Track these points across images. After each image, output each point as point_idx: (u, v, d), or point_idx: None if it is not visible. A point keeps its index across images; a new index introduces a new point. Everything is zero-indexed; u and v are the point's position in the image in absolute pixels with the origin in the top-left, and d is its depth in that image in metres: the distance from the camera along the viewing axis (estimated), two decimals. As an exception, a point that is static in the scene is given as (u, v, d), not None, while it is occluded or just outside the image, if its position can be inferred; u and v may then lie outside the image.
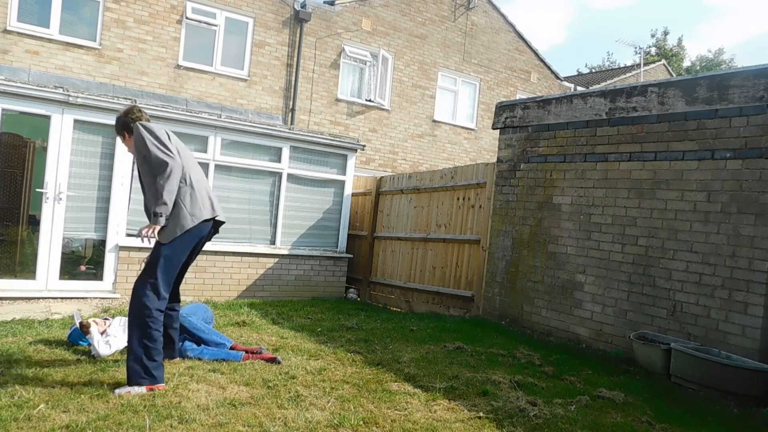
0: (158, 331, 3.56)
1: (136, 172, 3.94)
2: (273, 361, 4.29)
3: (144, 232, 3.53)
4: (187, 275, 7.42)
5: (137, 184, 7.26)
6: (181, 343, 4.36)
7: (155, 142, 3.58)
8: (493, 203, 6.93)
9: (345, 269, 8.91)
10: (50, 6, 10.15)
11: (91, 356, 4.21)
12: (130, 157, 7.12)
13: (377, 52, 13.50)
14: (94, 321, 4.43)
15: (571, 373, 4.49)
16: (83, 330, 4.42)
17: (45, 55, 10.05)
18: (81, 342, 4.49)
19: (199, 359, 4.22)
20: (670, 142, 5.14)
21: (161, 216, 3.51)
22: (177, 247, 3.65)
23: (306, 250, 8.51)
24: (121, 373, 3.78)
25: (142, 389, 3.44)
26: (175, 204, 3.60)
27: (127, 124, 3.85)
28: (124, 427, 2.90)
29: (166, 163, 3.51)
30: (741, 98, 4.63)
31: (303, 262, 8.46)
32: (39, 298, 6.57)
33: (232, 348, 4.49)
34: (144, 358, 3.47)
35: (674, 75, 24.48)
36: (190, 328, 4.41)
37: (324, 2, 13.06)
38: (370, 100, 13.51)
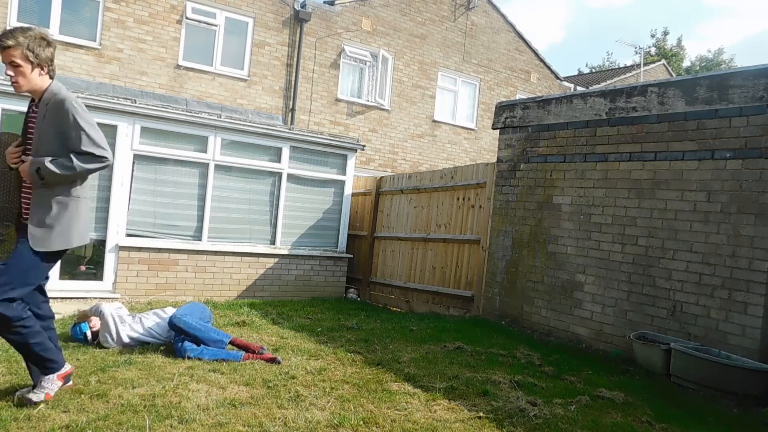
0: (30, 327, 3.02)
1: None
2: (273, 361, 4.29)
3: (16, 160, 3.15)
4: (186, 275, 7.55)
5: (137, 185, 7.28)
6: (180, 343, 4.37)
7: (96, 132, 3.11)
8: (493, 203, 6.92)
9: (345, 269, 8.91)
10: (50, 6, 10.15)
11: (95, 343, 4.34)
12: (130, 157, 7.12)
13: (377, 52, 13.50)
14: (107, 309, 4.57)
15: (571, 373, 4.49)
16: (85, 319, 4.52)
17: (45, 55, 10.03)
18: (78, 336, 4.55)
19: (199, 359, 4.22)
20: (670, 142, 5.14)
21: (50, 171, 3.00)
22: (46, 261, 3.10)
23: (306, 250, 8.51)
24: (121, 374, 3.78)
25: (53, 378, 3.18)
26: (70, 214, 3.13)
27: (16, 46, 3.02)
28: (124, 427, 2.90)
29: (104, 158, 3.11)
30: (741, 98, 4.63)
31: (303, 262, 8.46)
32: (39, 298, 6.57)
33: (231, 342, 4.49)
34: (38, 356, 3.12)
35: (674, 75, 24.48)
36: (186, 328, 4.38)
37: (324, 2, 13.06)
38: (370, 101, 13.50)
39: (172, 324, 4.43)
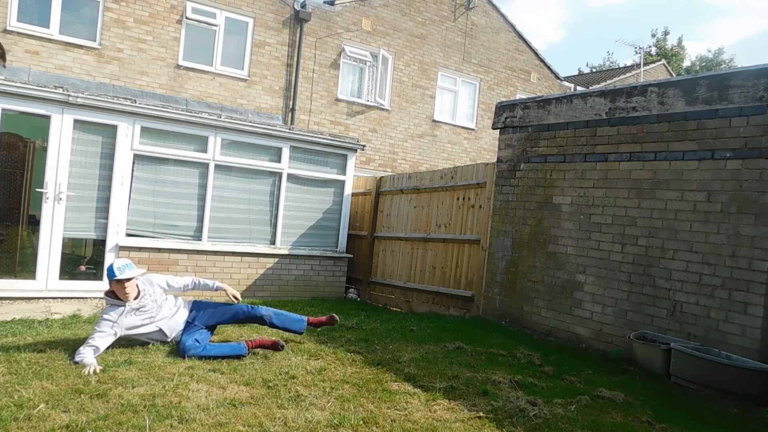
0: None
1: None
2: (276, 345, 4.49)
3: None
4: (186, 275, 7.53)
5: (137, 185, 7.27)
6: (184, 342, 4.36)
7: None
8: (493, 203, 6.92)
9: (345, 269, 8.91)
10: (50, 6, 10.15)
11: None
12: (130, 156, 7.13)
13: (377, 52, 13.50)
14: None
15: (571, 373, 4.49)
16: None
17: (45, 55, 10.05)
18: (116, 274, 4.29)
19: (200, 358, 4.22)
20: (670, 142, 5.14)
21: None
22: None
23: (306, 250, 8.51)
24: (121, 373, 3.78)
25: None
26: None
27: None
28: (124, 427, 2.90)
29: None
30: (741, 98, 4.63)
31: (303, 262, 8.46)
32: (39, 298, 6.57)
33: (308, 322, 5.02)
34: None
35: (674, 75, 24.48)
36: (273, 314, 4.87)
37: (324, 2, 13.06)
38: (370, 101, 13.50)
39: (255, 315, 4.84)
